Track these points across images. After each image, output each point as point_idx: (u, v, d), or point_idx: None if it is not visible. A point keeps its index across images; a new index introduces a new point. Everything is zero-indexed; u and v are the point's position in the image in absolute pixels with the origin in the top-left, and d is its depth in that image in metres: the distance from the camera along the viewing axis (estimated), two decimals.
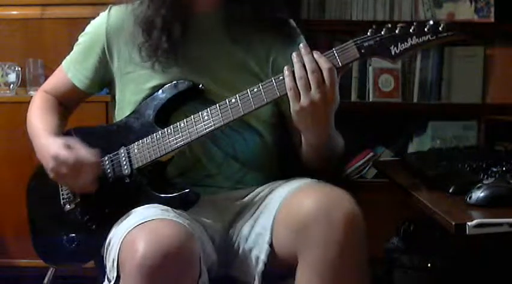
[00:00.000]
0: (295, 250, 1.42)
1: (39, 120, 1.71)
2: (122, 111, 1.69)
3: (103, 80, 1.73)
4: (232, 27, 1.62)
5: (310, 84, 1.41)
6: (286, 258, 1.45)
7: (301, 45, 1.45)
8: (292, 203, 1.46)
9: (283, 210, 1.48)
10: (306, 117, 1.45)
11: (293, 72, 1.43)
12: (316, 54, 1.43)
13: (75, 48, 1.76)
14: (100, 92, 1.81)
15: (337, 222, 1.37)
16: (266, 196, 1.58)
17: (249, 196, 1.62)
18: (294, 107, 1.44)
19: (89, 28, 1.74)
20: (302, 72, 1.42)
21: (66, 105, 1.79)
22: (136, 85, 1.65)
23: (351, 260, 1.39)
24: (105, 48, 1.68)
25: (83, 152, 1.56)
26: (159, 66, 1.61)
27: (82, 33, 1.75)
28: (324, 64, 1.42)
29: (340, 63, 1.43)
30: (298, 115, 1.45)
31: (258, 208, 1.57)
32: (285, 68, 1.44)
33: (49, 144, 1.61)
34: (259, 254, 1.49)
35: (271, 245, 1.48)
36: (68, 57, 1.77)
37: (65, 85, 1.76)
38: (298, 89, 1.42)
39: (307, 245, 1.39)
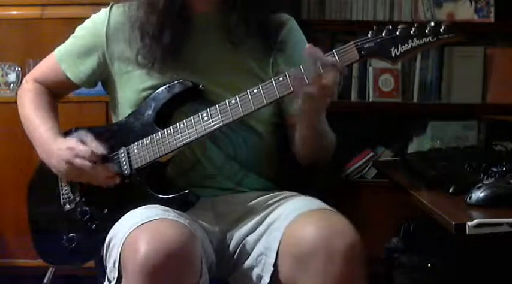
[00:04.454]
0: (295, 277, 1.42)
1: (38, 120, 1.70)
2: (122, 110, 1.69)
3: (99, 78, 1.73)
4: (231, 29, 1.62)
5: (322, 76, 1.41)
6: (287, 283, 1.45)
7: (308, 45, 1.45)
8: (295, 230, 1.45)
9: (287, 236, 1.47)
10: (314, 103, 1.46)
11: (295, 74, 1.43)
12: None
13: (72, 39, 1.74)
14: (93, 87, 1.79)
15: (337, 254, 1.37)
16: (271, 211, 1.57)
17: (251, 203, 1.61)
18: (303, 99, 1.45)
19: (89, 23, 1.73)
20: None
21: (56, 93, 1.79)
22: (134, 85, 1.65)
23: None
24: (105, 49, 1.67)
25: (98, 147, 1.58)
26: (156, 69, 1.61)
27: (81, 26, 1.74)
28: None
29: None
30: (307, 101, 1.46)
31: (262, 222, 1.56)
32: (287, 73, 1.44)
33: (59, 145, 1.62)
34: (263, 274, 1.49)
35: (274, 267, 1.47)
36: (61, 48, 1.75)
37: (57, 76, 1.75)
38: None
39: (307, 275, 1.39)
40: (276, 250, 1.47)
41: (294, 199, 1.58)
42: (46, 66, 1.78)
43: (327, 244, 1.38)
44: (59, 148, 1.62)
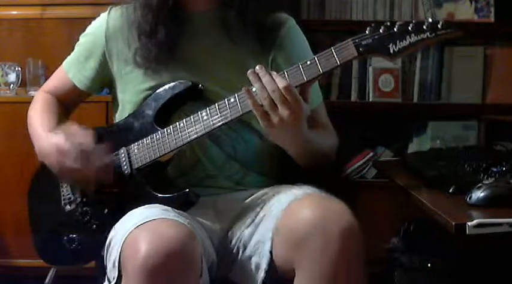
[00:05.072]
0: (292, 261, 1.42)
1: (39, 121, 1.71)
2: (123, 111, 1.69)
3: (103, 81, 1.74)
4: (230, 27, 1.62)
5: (275, 103, 1.41)
6: (285, 268, 1.46)
7: (257, 67, 1.44)
8: (291, 214, 1.46)
9: (283, 220, 1.47)
10: (278, 132, 1.46)
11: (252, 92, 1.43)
12: (272, 74, 1.43)
13: (76, 48, 1.77)
14: (100, 92, 1.82)
15: (334, 237, 1.37)
16: (267, 201, 1.58)
17: (249, 199, 1.62)
18: (263, 124, 1.44)
19: (89, 29, 1.75)
20: (264, 92, 1.42)
21: (67, 105, 1.80)
22: (134, 86, 1.66)
23: (347, 275, 1.39)
24: (105, 50, 1.69)
25: (84, 140, 1.56)
26: (155, 68, 1.62)
27: (83, 34, 1.76)
28: (280, 83, 1.41)
29: (338, 62, 1.43)
30: (270, 131, 1.46)
31: (258, 213, 1.57)
32: (243, 89, 1.44)
33: (49, 141, 1.60)
34: (260, 261, 1.49)
35: (271, 253, 1.48)
36: (68, 58, 1.78)
37: (66, 86, 1.77)
38: (264, 108, 1.42)
39: (304, 259, 1.40)
40: (271, 237, 1.47)
41: (290, 188, 1.59)
42: (56, 78, 1.81)
43: (323, 226, 1.38)
44: (49, 144, 1.60)
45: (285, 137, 1.50)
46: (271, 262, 1.48)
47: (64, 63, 1.78)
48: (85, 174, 1.57)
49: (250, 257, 1.53)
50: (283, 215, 1.48)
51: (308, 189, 1.56)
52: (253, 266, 1.51)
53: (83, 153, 1.55)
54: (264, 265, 1.48)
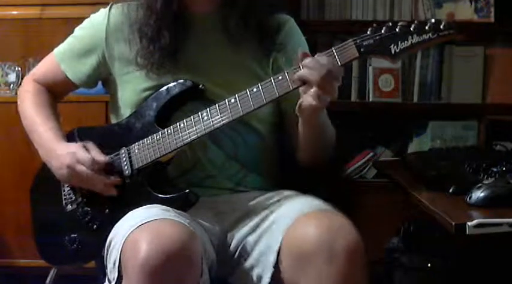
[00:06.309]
0: (296, 277, 1.42)
1: (39, 119, 1.71)
2: (123, 110, 1.69)
3: (99, 77, 1.73)
4: (231, 29, 1.62)
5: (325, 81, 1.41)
6: (289, 283, 1.45)
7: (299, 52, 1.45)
8: (297, 230, 1.45)
9: (288, 236, 1.47)
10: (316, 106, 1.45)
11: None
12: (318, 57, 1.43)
13: (71, 39, 1.75)
14: (94, 88, 1.80)
15: (338, 255, 1.38)
16: (272, 210, 1.57)
17: (252, 202, 1.61)
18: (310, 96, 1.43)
19: (88, 23, 1.73)
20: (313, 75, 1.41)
21: (56, 93, 1.79)
22: (135, 85, 1.66)
23: None
24: (105, 50, 1.68)
25: (100, 156, 1.59)
26: (155, 69, 1.61)
27: (81, 26, 1.74)
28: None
29: (339, 63, 1.43)
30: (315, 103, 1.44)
31: (263, 220, 1.55)
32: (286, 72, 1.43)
33: (62, 151, 1.62)
34: (263, 274, 1.49)
35: (275, 267, 1.47)
36: (61, 48, 1.75)
37: (57, 76, 1.75)
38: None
39: (308, 277, 1.40)
40: (276, 250, 1.47)
41: (295, 199, 1.58)
42: (46, 67, 1.79)
43: (328, 244, 1.39)
44: (61, 151, 1.62)
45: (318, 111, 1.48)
46: (274, 275, 1.47)
47: (56, 52, 1.76)
48: (92, 183, 1.60)
49: (252, 267, 1.52)
50: (288, 231, 1.47)
51: (314, 203, 1.54)
52: (255, 277, 1.51)
53: (94, 163, 1.58)
54: (266, 279, 1.48)
